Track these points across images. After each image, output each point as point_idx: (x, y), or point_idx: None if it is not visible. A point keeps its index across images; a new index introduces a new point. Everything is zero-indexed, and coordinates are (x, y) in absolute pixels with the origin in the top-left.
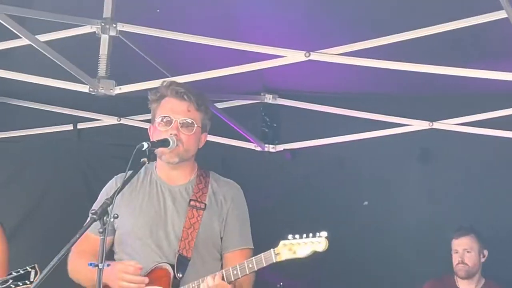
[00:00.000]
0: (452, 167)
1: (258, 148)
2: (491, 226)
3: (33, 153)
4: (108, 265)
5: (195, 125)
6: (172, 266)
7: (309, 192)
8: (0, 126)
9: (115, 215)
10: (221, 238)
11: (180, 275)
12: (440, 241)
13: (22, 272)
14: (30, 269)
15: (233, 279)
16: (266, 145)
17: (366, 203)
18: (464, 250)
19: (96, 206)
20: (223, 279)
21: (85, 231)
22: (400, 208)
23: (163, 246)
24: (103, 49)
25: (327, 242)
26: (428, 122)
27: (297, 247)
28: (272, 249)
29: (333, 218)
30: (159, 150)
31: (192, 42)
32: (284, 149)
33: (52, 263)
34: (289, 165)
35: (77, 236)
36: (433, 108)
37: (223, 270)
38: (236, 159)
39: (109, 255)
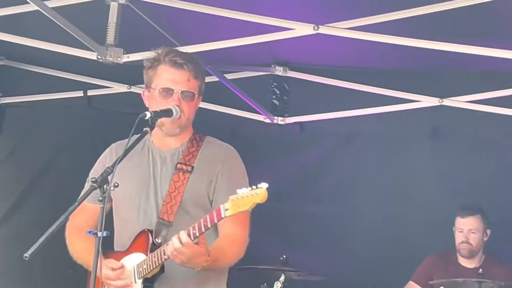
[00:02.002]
0: (461, 144)
1: (267, 120)
2: (498, 204)
3: (43, 119)
4: (108, 233)
5: (196, 95)
6: (151, 231)
7: (316, 165)
8: (10, 91)
9: (116, 184)
10: (211, 202)
11: (159, 240)
12: (446, 218)
13: None
14: None
15: (192, 239)
16: (275, 117)
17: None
18: (469, 231)
19: (92, 174)
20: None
21: (84, 199)
22: (407, 184)
23: (148, 212)
24: (112, 17)
25: (266, 193)
26: (437, 98)
27: (241, 201)
28: (221, 205)
29: (339, 192)
30: (160, 121)
31: (201, 12)
32: (293, 122)
33: (50, 230)
34: (297, 138)
35: (77, 203)
36: (443, 85)
37: (183, 231)
38: (245, 130)
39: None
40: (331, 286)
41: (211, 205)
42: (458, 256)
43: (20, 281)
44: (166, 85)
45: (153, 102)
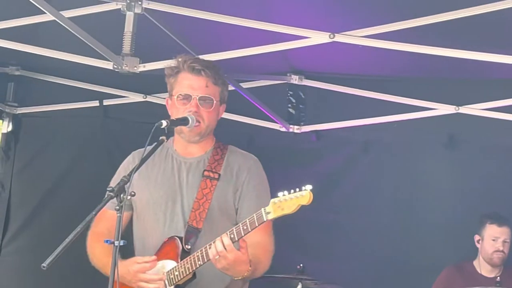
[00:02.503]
0: (477, 152)
1: (283, 129)
2: None
3: (59, 129)
4: (125, 242)
5: (214, 101)
6: (181, 238)
7: (333, 174)
8: (26, 101)
9: (132, 193)
10: (236, 210)
11: (189, 247)
12: (463, 226)
13: None
14: None
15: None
16: (291, 126)
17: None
18: (504, 240)
19: (114, 182)
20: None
21: (101, 208)
22: (424, 192)
23: (174, 219)
24: (128, 26)
25: (311, 194)
26: (454, 106)
27: (285, 203)
28: (263, 208)
29: (356, 200)
30: (178, 128)
31: (217, 21)
32: (309, 131)
33: (68, 240)
34: (313, 147)
35: (93, 213)
36: (459, 92)
37: (225, 234)
38: (261, 139)
39: (125, 233)
40: None
41: (236, 213)
42: (478, 265)
43: None
44: (184, 91)
45: (174, 109)
